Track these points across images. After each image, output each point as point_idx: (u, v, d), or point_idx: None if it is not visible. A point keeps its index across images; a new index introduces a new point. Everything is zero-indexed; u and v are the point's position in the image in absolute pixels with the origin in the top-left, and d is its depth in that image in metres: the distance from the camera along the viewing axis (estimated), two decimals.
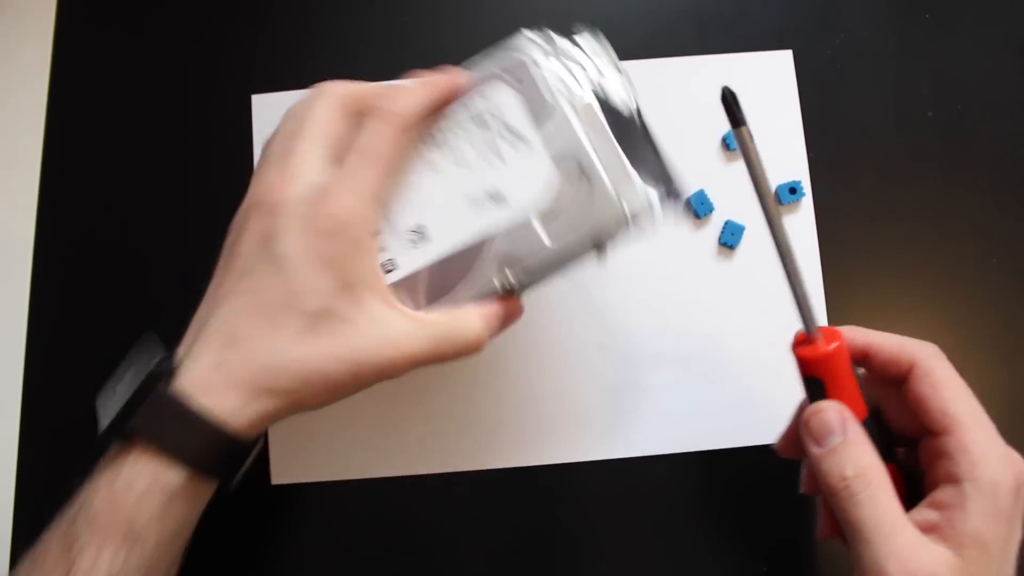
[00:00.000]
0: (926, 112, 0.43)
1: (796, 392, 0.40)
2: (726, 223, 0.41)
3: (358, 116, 0.30)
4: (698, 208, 0.41)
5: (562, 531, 0.39)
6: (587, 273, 0.41)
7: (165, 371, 0.27)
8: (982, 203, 0.42)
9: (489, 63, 0.31)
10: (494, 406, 0.40)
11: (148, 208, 0.43)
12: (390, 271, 0.30)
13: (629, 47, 0.43)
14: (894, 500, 0.27)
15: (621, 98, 0.31)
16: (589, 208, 0.29)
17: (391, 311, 0.29)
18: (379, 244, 0.30)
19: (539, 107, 0.30)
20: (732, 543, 0.39)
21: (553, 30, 0.32)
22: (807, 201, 0.42)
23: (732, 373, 0.40)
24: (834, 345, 0.30)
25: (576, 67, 0.31)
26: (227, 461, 0.28)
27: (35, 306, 0.42)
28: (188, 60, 0.44)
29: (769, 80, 0.43)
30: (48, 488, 0.40)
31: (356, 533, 0.39)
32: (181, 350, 0.29)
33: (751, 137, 0.29)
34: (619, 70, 0.32)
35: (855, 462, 0.28)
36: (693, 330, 0.41)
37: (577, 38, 0.32)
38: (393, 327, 0.28)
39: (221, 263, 0.30)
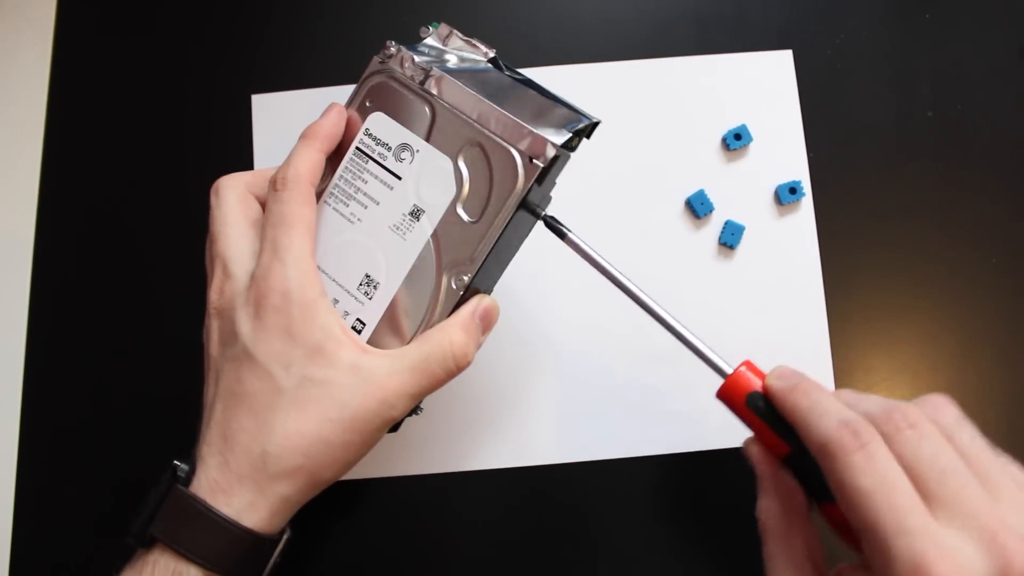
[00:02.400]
0: (926, 112, 0.43)
1: None
2: (726, 223, 0.41)
3: (263, 196, 0.32)
4: (698, 208, 0.41)
5: (562, 531, 0.39)
6: (587, 273, 0.41)
7: (180, 478, 0.28)
8: (982, 203, 0.42)
9: (356, 97, 0.32)
10: (493, 406, 0.40)
11: (148, 208, 0.43)
12: (360, 330, 0.31)
13: (629, 47, 0.43)
14: (786, 554, 0.28)
15: (480, 66, 0.32)
16: (498, 175, 0.29)
17: (366, 356, 0.29)
18: (332, 299, 0.31)
19: (412, 113, 0.31)
20: (732, 543, 0.39)
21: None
22: (807, 201, 0.42)
23: None
24: (718, 387, 0.31)
25: (431, 60, 0.32)
26: (249, 556, 0.29)
27: (35, 306, 0.42)
28: (188, 60, 0.44)
29: (769, 80, 0.43)
30: (48, 488, 0.40)
31: (355, 533, 0.39)
32: (195, 456, 0.30)
33: (582, 241, 0.31)
34: (472, 44, 0.33)
35: (760, 510, 0.29)
36: (693, 330, 0.40)
37: (424, 38, 0.33)
38: (372, 370, 0.29)
39: (205, 375, 0.31)
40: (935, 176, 0.42)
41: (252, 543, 0.28)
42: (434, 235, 0.30)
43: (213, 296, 0.31)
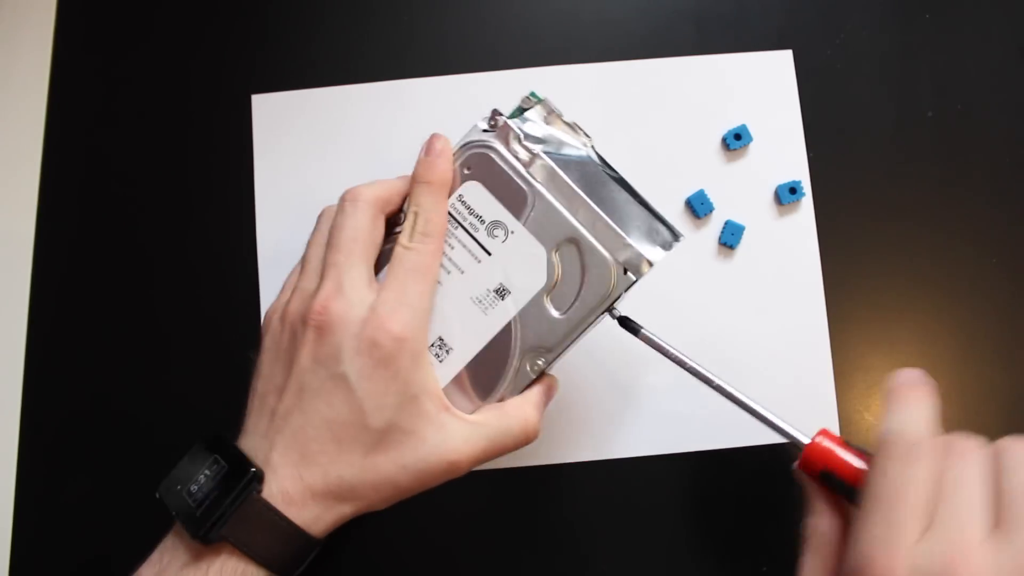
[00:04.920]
0: (926, 112, 0.43)
1: (794, 391, 0.40)
2: (726, 223, 0.41)
3: (388, 216, 0.32)
4: (698, 208, 0.41)
5: (562, 531, 0.39)
6: None
7: (254, 485, 0.29)
8: (982, 203, 0.42)
9: (456, 156, 0.32)
10: None
11: (148, 207, 0.43)
12: None
13: (629, 47, 0.44)
14: (821, 571, 0.29)
15: (581, 156, 0.32)
16: (591, 278, 0.31)
17: (450, 418, 0.30)
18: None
19: (512, 193, 0.31)
20: (732, 543, 0.39)
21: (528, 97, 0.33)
22: (807, 201, 0.42)
23: (732, 373, 0.40)
24: (816, 439, 0.31)
25: (536, 143, 0.32)
26: (300, 560, 0.30)
27: (35, 306, 0.42)
28: (189, 60, 0.44)
29: (769, 80, 0.43)
30: (48, 488, 0.40)
31: (353, 531, 0.39)
32: (253, 455, 0.30)
33: (654, 336, 0.32)
34: (573, 128, 0.33)
35: (806, 527, 0.30)
36: (693, 330, 0.41)
37: (527, 110, 0.33)
38: (453, 434, 0.30)
39: (274, 368, 0.31)
40: (935, 176, 0.42)
41: (311, 548, 0.30)
42: (516, 318, 0.31)
43: (317, 308, 0.30)
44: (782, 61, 0.43)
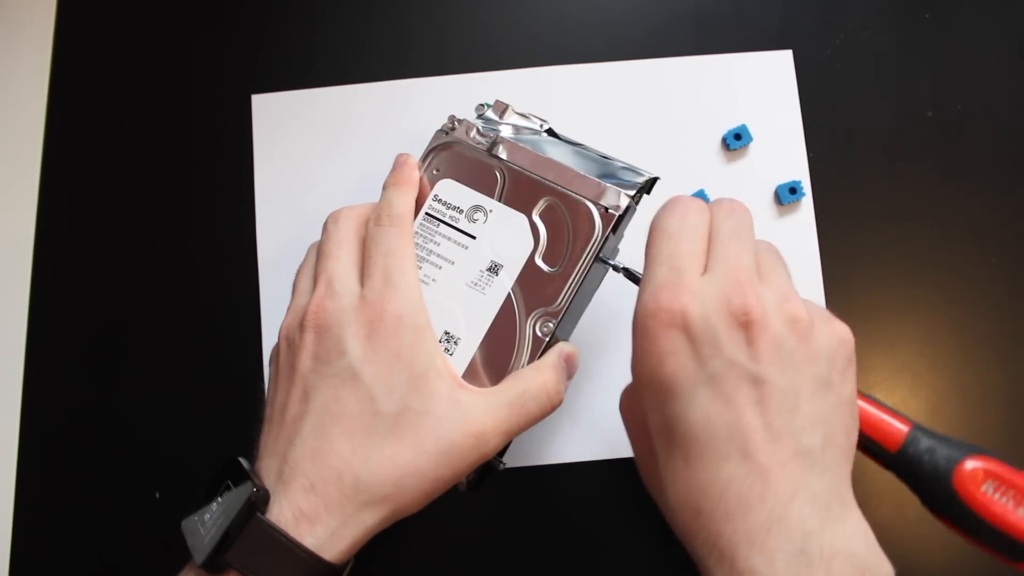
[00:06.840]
0: (926, 112, 0.43)
1: None
2: None
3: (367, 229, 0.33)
4: None
5: (562, 531, 0.39)
6: None
7: (259, 504, 0.27)
8: (982, 203, 0.42)
9: (422, 165, 0.34)
10: None
11: (148, 208, 0.43)
12: None
13: (629, 47, 0.44)
14: None
15: (540, 136, 0.35)
16: (575, 225, 0.32)
17: (463, 392, 0.30)
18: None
19: (482, 176, 0.33)
20: None
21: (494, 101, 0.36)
22: (807, 201, 0.42)
23: None
24: None
25: (494, 130, 0.34)
26: None
27: (35, 305, 0.42)
28: (189, 60, 0.45)
29: (769, 80, 0.43)
30: (48, 488, 0.40)
31: None
32: (265, 474, 0.29)
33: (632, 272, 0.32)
34: (527, 116, 0.36)
35: None
36: None
37: (481, 115, 0.36)
38: (469, 406, 0.29)
39: (277, 386, 0.31)
40: (935, 176, 0.42)
41: (326, 573, 0.28)
42: (515, 287, 0.32)
43: (312, 310, 0.30)
44: (782, 61, 0.43)
